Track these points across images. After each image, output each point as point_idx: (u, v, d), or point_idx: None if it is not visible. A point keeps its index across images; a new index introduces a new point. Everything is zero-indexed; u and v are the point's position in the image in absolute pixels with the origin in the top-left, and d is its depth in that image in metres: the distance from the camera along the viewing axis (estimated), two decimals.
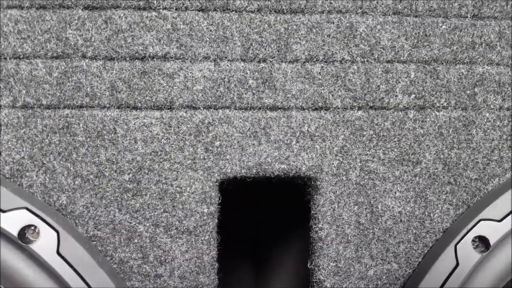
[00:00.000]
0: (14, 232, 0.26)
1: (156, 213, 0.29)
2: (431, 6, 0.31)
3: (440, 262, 0.29)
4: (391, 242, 0.30)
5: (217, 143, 0.29)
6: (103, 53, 0.28)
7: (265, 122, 0.30)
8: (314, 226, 0.30)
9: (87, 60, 0.28)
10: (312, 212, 0.30)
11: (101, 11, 0.28)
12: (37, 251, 0.26)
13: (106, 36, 0.28)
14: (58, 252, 0.26)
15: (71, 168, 0.28)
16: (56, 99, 0.28)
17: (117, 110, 0.29)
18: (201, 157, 0.29)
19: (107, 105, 0.29)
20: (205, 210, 0.29)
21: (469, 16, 0.31)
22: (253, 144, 0.29)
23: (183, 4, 0.29)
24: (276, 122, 0.30)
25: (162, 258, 0.29)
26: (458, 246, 0.29)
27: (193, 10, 0.29)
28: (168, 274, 0.29)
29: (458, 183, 0.31)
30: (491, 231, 0.29)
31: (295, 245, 0.37)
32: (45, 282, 0.27)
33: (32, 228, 0.27)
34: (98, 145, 0.28)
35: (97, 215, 0.28)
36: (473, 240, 0.29)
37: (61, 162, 0.28)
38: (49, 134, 0.28)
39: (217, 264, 0.29)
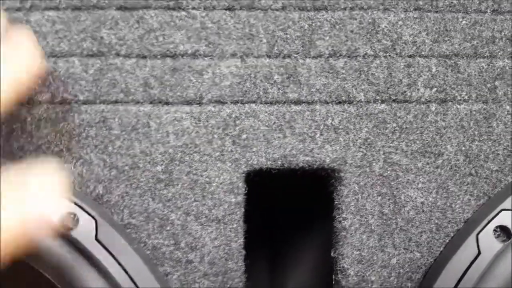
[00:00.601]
0: (55, 219, 0.28)
1: (187, 202, 0.30)
2: (451, 2, 0.31)
3: (462, 251, 0.29)
4: (413, 231, 0.31)
5: (244, 136, 0.30)
6: (136, 51, 0.30)
7: (290, 116, 0.31)
8: (337, 216, 0.31)
9: (121, 58, 0.30)
10: (336, 202, 0.31)
11: (133, 11, 0.30)
12: (76, 237, 0.28)
13: (138, 35, 0.30)
14: (96, 238, 0.28)
15: (107, 160, 0.30)
16: (92, 95, 0.30)
17: (150, 105, 0.30)
18: (229, 150, 0.30)
19: (141, 101, 0.30)
20: (233, 200, 0.30)
21: (489, 11, 0.32)
22: (278, 137, 0.31)
23: (211, 3, 0.30)
24: (300, 116, 0.31)
25: (193, 245, 0.30)
26: (479, 235, 0.29)
27: (220, 9, 0.30)
28: (199, 260, 0.30)
29: (479, 174, 0.31)
30: None
31: (316, 236, 0.38)
32: (84, 266, 0.28)
33: (72, 216, 0.28)
34: (133, 138, 0.30)
35: (131, 204, 0.30)
36: (494, 230, 0.30)
37: (98, 154, 0.30)
38: (86, 128, 0.30)
39: (244, 251, 0.30)
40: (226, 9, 0.30)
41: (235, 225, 0.30)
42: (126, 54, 0.30)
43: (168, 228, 0.30)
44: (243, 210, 0.30)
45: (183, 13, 0.30)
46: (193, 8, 0.30)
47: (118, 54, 0.30)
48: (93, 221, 0.28)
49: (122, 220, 0.30)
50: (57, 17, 0.30)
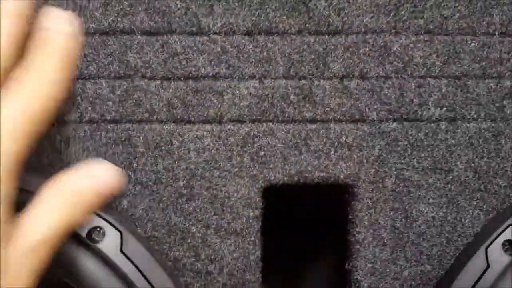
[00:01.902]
0: (83, 233, 0.29)
1: (207, 215, 0.32)
2: (461, 25, 0.33)
3: (471, 264, 0.31)
4: (424, 245, 0.32)
5: (262, 153, 0.32)
6: (161, 74, 0.32)
7: (305, 134, 0.32)
8: (351, 230, 0.32)
9: (146, 80, 0.32)
10: (350, 217, 0.32)
11: (158, 36, 0.32)
12: (103, 250, 0.29)
13: (163, 59, 0.32)
14: (121, 251, 0.30)
15: (132, 176, 0.32)
16: (118, 114, 0.32)
17: (173, 124, 0.32)
18: (247, 166, 0.32)
19: (164, 120, 0.32)
20: (251, 214, 0.32)
21: (497, 33, 0.33)
22: (295, 154, 0.32)
23: (231, 29, 0.32)
24: (315, 134, 0.32)
25: (213, 257, 0.31)
26: (488, 249, 0.31)
27: (240, 34, 0.32)
28: (218, 272, 0.31)
29: (488, 190, 0.32)
30: None
31: (331, 249, 0.39)
32: (110, 278, 0.30)
33: (98, 229, 0.30)
34: (156, 155, 0.32)
35: (154, 217, 0.31)
36: (503, 244, 0.31)
37: (123, 170, 0.32)
38: (113, 146, 0.32)
39: (261, 263, 0.32)
40: (245, 34, 0.32)
41: (253, 238, 0.32)
42: (151, 77, 0.32)
43: (189, 240, 0.31)
44: (260, 223, 0.32)
45: (205, 38, 0.32)
46: (214, 33, 0.32)
47: (143, 76, 0.32)
48: (119, 234, 0.30)
49: (145, 233, 0.31)
50: (86, 42, 0.32)
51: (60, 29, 0.26)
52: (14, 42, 0.26)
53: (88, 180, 0.28)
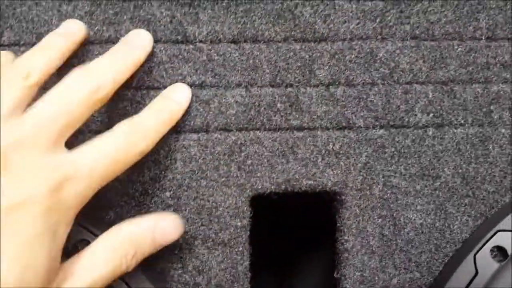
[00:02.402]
0: (69, 246, 0.29)
1: (194, 226, 0.31)
2: (447, 30, 0.33)
3: (460, 271, 0.30)
4: (413, 252, 0.32)
5: (249, 162, 0.32)
6: (146, 83, 0.31)
7: (292, 142, 0.32)
8: (340, 238, 0.32)
9: (131, 90, 0.32)
10: (338, 225, 0.32)
11: None
12: None
13: (148, 68, 0.31)
14: None
15: (119, 187, 0.31)
16: (104, 125, 0.31)
17: None
18: (234, 175, 0.32)
19: None
20: (238, 224, 0.31)
21: (483, 38, 0.33)
22: (282, 162, 0.32)
23: (216, 37, 0.32)
24: (302, 142, 0.32)
25: (200, 268, 0.31)
26: (477, 255, 0.31)
27: (225, 42, 0.32)
28: (206, 283, 0.31)
29: (476, 196, 0.32)
30: (509, 241, 0.30)
31: (319, 257, 0.39)
32: None
33: (85, 242, 0.29)
34: (143, 166, 0.31)
35: None
36: (491, 250, 0.31)
37: (110, 182, 0.31)
38: None
39: (250, 274, 0.32)
40: (231, 42, 0.32)
41: (241, 248, 0.31)
42: (136, 86, 0.32)
43: (176, 251, 0.31)
44: (248, 233, 0.32)
45: (191, 46, 0.32)
46: (200, 41, 0.32)
47: (128, 86, 0.31)
48: None
49: None
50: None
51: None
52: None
53: (149, 231, 0.28)
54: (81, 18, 0.31)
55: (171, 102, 0.31)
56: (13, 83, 0.26)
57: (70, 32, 0.30)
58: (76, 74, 0.27)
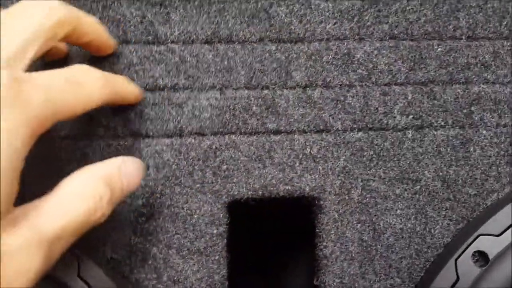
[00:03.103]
0: None
1: (168, 235, 0.30)
2: (426, 30, 0.32)
3: (441, 277, 0.30)
4: (393, 258, 0.31)
5: (224, 167, 0.31)
6: None
7: (269, 146, 0.31)
8: (319, 244, 0.31)
9: None
10: (317, 230, 0.31)
11: None
12: (59, 274, 0.28)
13: (118, 70, 0.30)
14: (78, 275, 0.28)
15: None
16: (74, 131, 0.30)
17: (130, 139, 0.30)
18: (209, 181, 0.31)
19: (121, 135, 0.30)
20: (215, 231, 0.30)
21: (464, 37, 0.32)
22: (258, 167, 0.31)
23: (189, 37, 0.31)
24: (279, 146, 0.31)
25: (175, 278, 0.30)
26: (458, 261, 0.30)
27: (199, 42, 0.31)
28: None
29: (457, 199, 0.32)
30: (490, 245, 0.30)
31: (300, 263, 0.38)
32: None
33: None
34: None
35: (114, 239, 0.30)
36: (472, 255, 0.30)
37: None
38: (68, 163, 0.30)
39: (227, 283, 0.31)
40: (204, 43, 0.31)
41: (217, 257, 0.30)
42: None
43: (150, 262, 0.30)
44: (225, 241, 0.31)
45: (162, 47, 0.31)
46: (172, 42, 0.31)
47: None
48: (75, 258, 0.28)
49: (104, 255, 0.30)
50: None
51: None
52: None
53: (116, 169, 0.25)
54: None
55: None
56: None
57: None
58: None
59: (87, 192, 0.24)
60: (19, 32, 0.24)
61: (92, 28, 0.28)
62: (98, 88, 0.26)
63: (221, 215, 0.31)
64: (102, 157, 0.30)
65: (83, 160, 0.30)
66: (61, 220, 0.22)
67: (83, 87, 0.25)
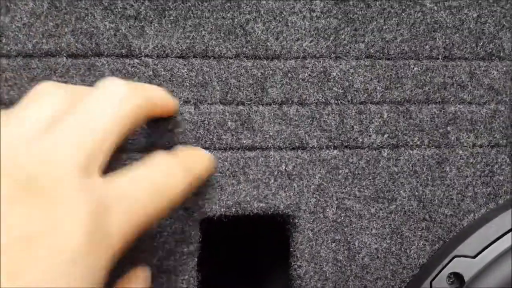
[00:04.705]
0: None
1: (136, 253, 0.29)
2: (403, 49, 0.32)
3: None
4: (368, 278, 0.31)
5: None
6: None
7: (243, 162, 0.31)
8: (293, 264, 0.31)
9: None
10: (291, 249, 0.31)
11: (84, 58, 0.30)
12: None
13: (89, 83, 0.30)
14: None
15: None
16: None
17: None
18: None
19: None
20: (185, 250, 0.30)
21: (440, 57, 0.32)
22: (232, 184, 0.30)
23: (163, 51, 0.30)
24: (254, 162, 0.31)
25: None
26: (433, 282, 0.29)
27: (173, 57, 0.30)
28: None
29: (433, 219, 0.31)
30: (466, 267, 0.29)
31: (275, 283, 0.37)
32: None
33: None
34: None
35: None
36: (448, 276, 0.30)
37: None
38: None
39: None
40: (179, 57, 0.30)
41: (187, 276, 0.29)
42: None
43: (118, 280, 0.29)
44: (196, 259, 0.30)
45: (136, 60, 0.30)
46: (146, 56, 0.30)
47: None
48: None
49: None
50: (7, 65, 0.29)
51: None
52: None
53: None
54: (19, 30, 0.30)
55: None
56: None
57: None
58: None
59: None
60: (94, 123, 0.22)
61: (163, 102, 0.27)
62: (180, 189, 0.25)
63: (193, 232, 0.30)
64: None
65: None
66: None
67: (166, 196, 0.24)
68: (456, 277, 0.29)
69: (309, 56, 0.31)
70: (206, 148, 0.30)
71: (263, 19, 0.31)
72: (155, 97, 0.26)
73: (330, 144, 0.31)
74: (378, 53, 0.32)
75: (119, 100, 0.23)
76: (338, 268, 0.30)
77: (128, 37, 0.30)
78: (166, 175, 0.24)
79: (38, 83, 0.29)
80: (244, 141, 0.31)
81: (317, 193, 0.31)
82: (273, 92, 0.31)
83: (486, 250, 0.30)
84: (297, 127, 0.31)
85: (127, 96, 0.24)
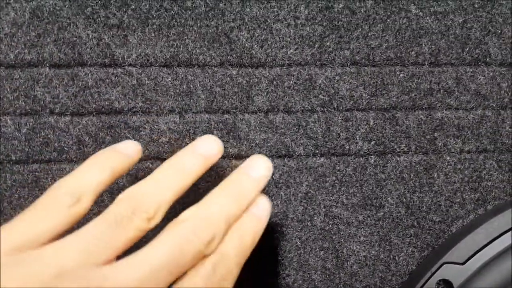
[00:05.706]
0: None
1: None
2: (389, 56, 0.32)
3: None
4: (357, 286, 0.30)
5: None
6: (71, 109, 0.29)
7: (229, 171, 0.30)
8: (281, 272, 0.30)
9: (55, 116, 0.29)
10: (279, 258, 0.31)
11: (67, 68, 0.30)
12: None
13: (73, 93, 0.29)
14: None
15: None
16: (25, 154, 0.29)
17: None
18: None
19: (75, 159, 0.29)
20: None
21: (426, 63, 0.32)
22: None
23: (147, 60, 0.30)
24: None
25: None
26: None
27: (157, 66, 0.30)
28: None
29: (421, 226, 0.31)
30: (455, 274, 0.29)
31: None
32: None
33: None
34: None
35: None
36: (437, 283, 0.29)
37: None
38: (18, 189, 0.29)
39: None
40: (163, 66, 0.30)
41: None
42: (60, 112, 0.29)
43: None
44: None
45: (119, 69, 0.30)
46: (129, 65, 0.30)
47: (52, 112, 0.29)
48: None
49: None
50: None
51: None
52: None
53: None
54: (0, 41, 0.29)
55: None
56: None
57: (127, 152, 0.26)
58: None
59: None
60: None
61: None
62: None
63: None
64: (55, 181, 0.29)
65: (35, 185, 0.29)
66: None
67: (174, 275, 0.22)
68: (445, 283, 0.29)
69: (294, 63, 0.31)
70: None
71: (247, 27, 0.31)
72: None
73: (317, 151, 0.31)
74: (363, 60, 0.32)
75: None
76: (327, 276, 0.30)
77: (111, 46, 0.30)
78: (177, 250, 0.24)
79: (21, 93, 0.29)
80: (230, 150, 0.30)
81: (305, 201, 0.30)
82: (258, 100, 0.31)
83: (474, 257, 0.29)
84: (283, 135, 0.31)
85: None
